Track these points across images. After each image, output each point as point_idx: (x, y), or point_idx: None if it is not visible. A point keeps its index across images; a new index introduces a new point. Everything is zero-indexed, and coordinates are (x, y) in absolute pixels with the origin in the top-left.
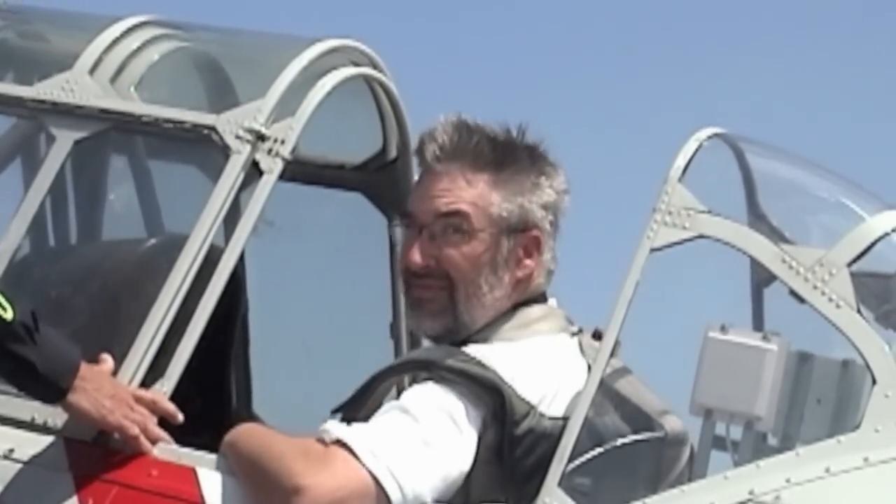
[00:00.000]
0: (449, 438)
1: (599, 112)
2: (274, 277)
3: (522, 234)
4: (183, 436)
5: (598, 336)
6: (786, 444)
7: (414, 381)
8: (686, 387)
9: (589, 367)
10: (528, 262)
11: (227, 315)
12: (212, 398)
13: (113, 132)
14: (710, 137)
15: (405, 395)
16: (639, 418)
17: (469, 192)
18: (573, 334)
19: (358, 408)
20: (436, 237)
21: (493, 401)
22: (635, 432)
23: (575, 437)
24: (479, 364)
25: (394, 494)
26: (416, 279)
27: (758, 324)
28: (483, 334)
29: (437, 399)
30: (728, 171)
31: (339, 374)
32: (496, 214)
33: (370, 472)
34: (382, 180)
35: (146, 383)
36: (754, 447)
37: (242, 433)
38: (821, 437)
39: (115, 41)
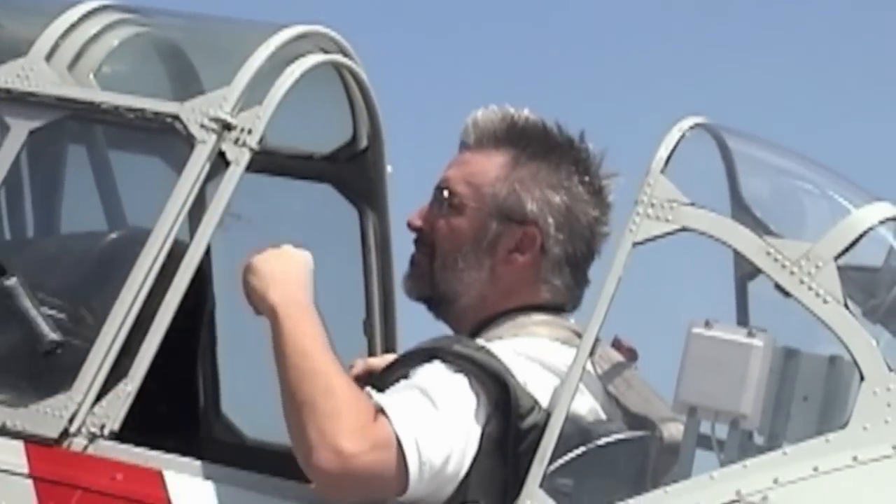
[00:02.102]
0: (462, 425)
1: (577, 101)
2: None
3: (517, 226)
4: (148, 438)
5: (616, 345)
6: (772, 443)
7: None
8: (669, 384)
9: (601, 382)
10: (518, 256)
11: (193, 312)
12: (178, 398)
13: (71, 121)
14: (692, 127)
15: (419, 374)
16: (630, 420)
17: (471, 167)
18: None
19: None
20: (435, 204)
21: (497, 391)
22: (622, 433)
23: (556, 438)
24: (487, 353)
25: (413, 470)
26: (415, 241)
27: (742, 319)
28: (481, 332)
29: (448, 381)
30: (711, 161)
31: None
32: (487, 193)
33: (401, 447)
34: (352, 171)
35: (108, 384)
36: (740, 446)
37: (296, 320)
38: (808, 435)
39: (73, 26)
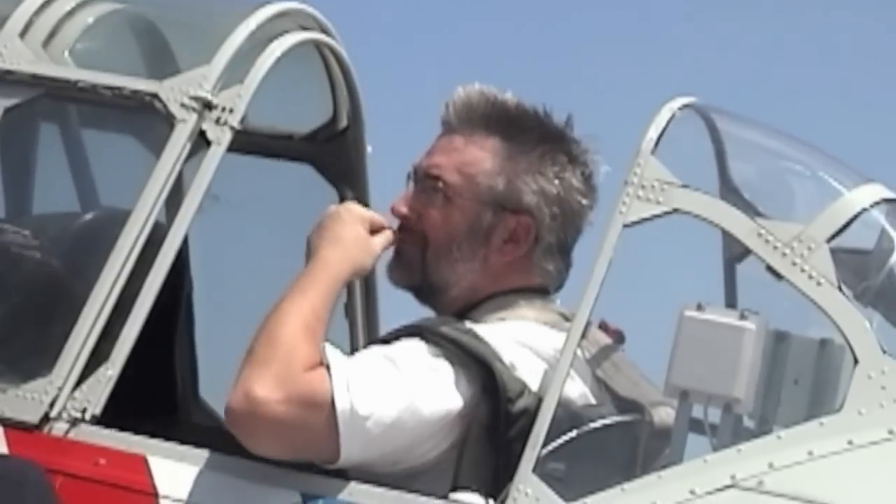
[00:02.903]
0: (425, 397)
1: (564, 80)
2: (219, 254)
3: (512, 216)
4: (124, 421)
5: (603, 327)
6: (763, 427)
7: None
8: (656, 367)
9: (589, 366)
10: (512, 247)
11: (171, 295)
12: (156, 383)
13: (46, 99)
14: (682, 108)
15: (392, 346)
16: (619, 404)
17: (464, 156)
18: None
19: None
20: (424, 192)
21: (483, 375)
22: (613, 417)
23: (549, 422)
24: (473, 335)
25: (343, 432)
26: (400, 229)
27: (730, 301)
28: (469, 315)
29: (420, 354)
30: (699, 142)
31: None
32: (483, 184)
33: (333, 407)
34: (332, 151)
35: (89, 368)
36: (733, 430)
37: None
38: (798, 418)
39: (47, 2)
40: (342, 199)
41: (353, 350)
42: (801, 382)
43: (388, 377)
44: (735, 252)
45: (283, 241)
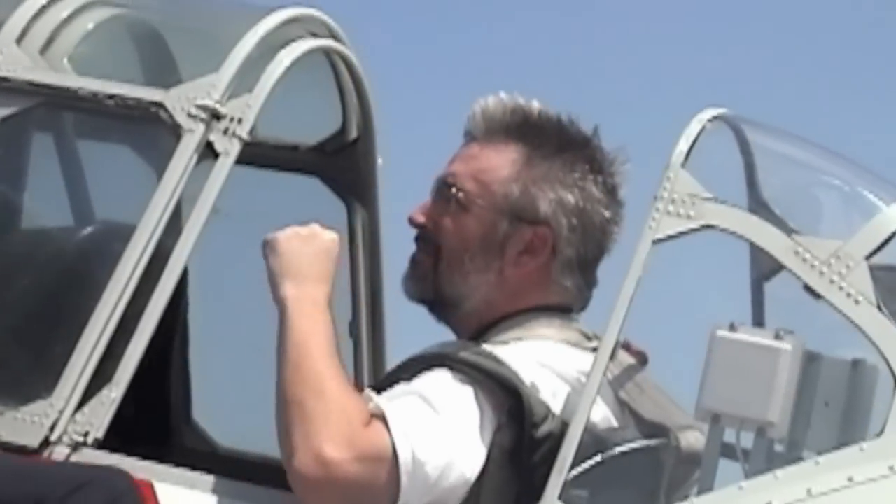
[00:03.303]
0: (465, 434)
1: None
2: (216, 271)
3: (528, 227)
4: (115, 446)
5: (626, 347)
6: (792, 451)
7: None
8: (681, 389)
9: (611, 387)
10: (528, 259)
11: (166, 313)
12: (148, 405)
13: (44, 108)
14: (712, 119)
15: (422, 380)
16: (644, 428)
17: (481, 163)
18: (593, 350)
19: None
20: (440, 201)
21: (509, 400)
22: (639, 441)
23: (575, 447)
24: (495, 360)
25: (405, 482)
26: (417, 239)
27: (758, 321)
28: (485, 335)
29: (453, 390)
30: (728, 155)
31: None
32: (498, 192)
33: (396, 458)
34: (341, 163)
35: (91, 390)
36: (766, 455)
37: (301, 315)
38: (830, 442)
39: (44, 8)
40: (351, 214)
41: (358, 369)
42: (831, 405)
43: (431, 421)
44: (764, 269)
45: None
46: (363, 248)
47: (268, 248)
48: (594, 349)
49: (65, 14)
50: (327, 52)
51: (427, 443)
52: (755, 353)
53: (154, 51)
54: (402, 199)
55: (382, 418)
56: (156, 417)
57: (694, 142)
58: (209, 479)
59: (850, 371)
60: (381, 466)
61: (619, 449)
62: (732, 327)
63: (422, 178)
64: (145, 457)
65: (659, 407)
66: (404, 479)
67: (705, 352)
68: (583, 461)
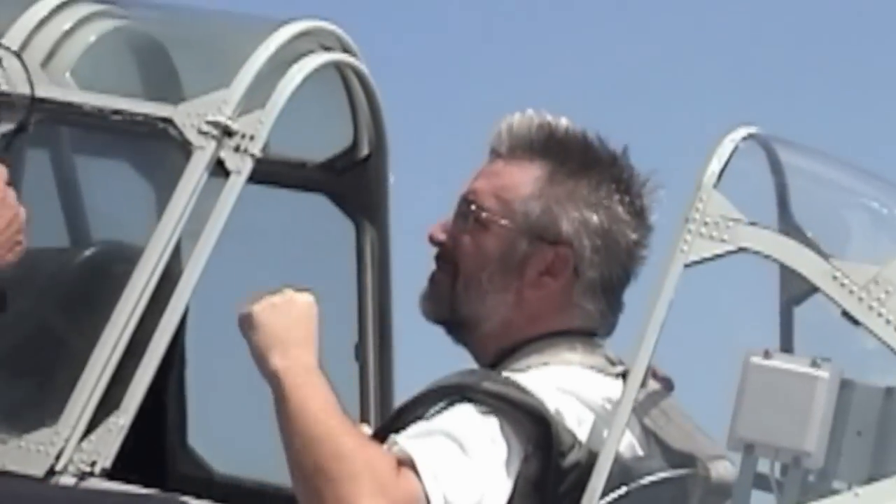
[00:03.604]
0: (493, 471)
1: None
2: (220, 291)
3: (549, 247)
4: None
5: (654, 374)
6: (823, 481)
7: (448, 406)
8: (711, 418)
9: (636, 413)
10: (549, 280)
11: None
12: (143, 430)
13: (47, 124)
14: (745, 138)
15: (446, 417)
16: (671, 457)
17: (503, 180)
18: (618, 375)
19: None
20: (460, 218)
21: (536, 429)
22: (667, 471)
23: (605, 478)
24: (519, 388)
25: None
26: (436, 257)
27: (786, 346)
28: (507, 361)
29: (479, 425)
30: (759, 176)
31: None
32: (520, 211)
33: (429, 501)
34: (351, 181)
35: (98, 417)
36: (801, 487)
37: (299, 383)
38: (862, 472)
39: (44, 20)
40: (360, 233)
41: (364, 393)
42: (864, 434)
43: (459, 461)
44: (793, 294)
45: (291, 277)
46: (371, 268)
47: (245, 324)
48: (619, 375)
49: (66, 26)
50: (339, 67)
51: (457, 484)
52: (792, 381)
53: (158, 65)
54: (413, 216)
55: (410, 462)
56: (151, 443)
57: (727, 162)
58: None
59: (884, 399)
60: None
61: (647, 479)
62: (767, 354)
63: (434, 193)
64: (146, 485)
65: (686, 435)
66: None
67: (724, 375)
68: (610, 492)
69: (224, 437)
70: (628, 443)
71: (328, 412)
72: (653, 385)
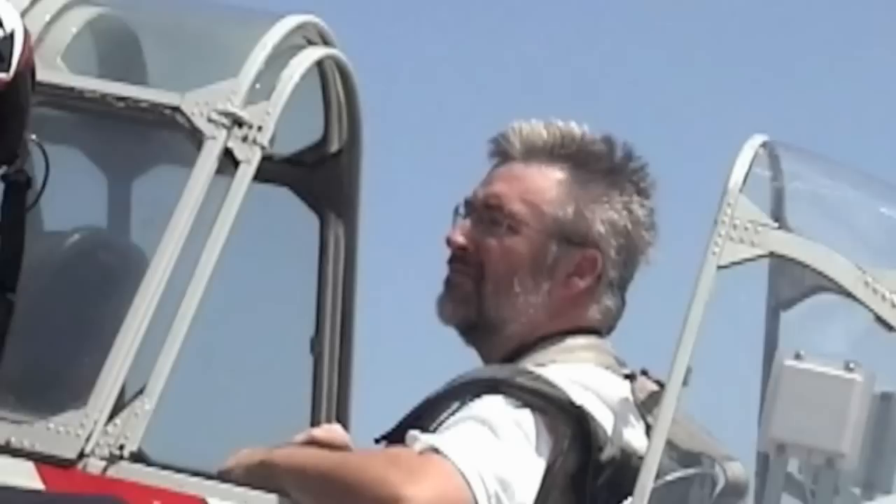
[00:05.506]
0: (524, 458)
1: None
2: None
3: (577, 249)
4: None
5: (646, 374)
6: (868, 493)
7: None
8: (731, 420)
9: (640, 413)
10: (577, 281)
11: None
12: None
13: (45, 110)
14: (763, 145)
15: (477, 406)
16: (679, 457)
17: (526, 184)
18: (625, 376)
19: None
20: (482, 222)
21: (573, 425)
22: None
23: (654, 474)
24: (549, 384)
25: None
26: (454, 260)
27: (770, 350)
28: (525, 356)
29: (512, 415)
30: (759, 182)
31: (246, 392)
32: (550, 214)
33: (465, 479)
34: (319, 175)
35: (121, 401)
36: (834, 488)
37: (287, 453)
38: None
39: (31, 4)
40: (323, 226)
41: (317, 387)
42: None
43: (491, 443)
44: (783, 299)
45: (251, 268)
46: (334, 263)
47: (226, 472)
48: (627, 376)
49: (52, 12)
50: (322, 61)
51: (488, 461)
52: (827, 384)
53: (155, 52)
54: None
55: (434, 449)
56: None
57: (750, 167)
58: (261, 494)
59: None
60: (459, 485)
61: (666, 477)
62: (798, 356)
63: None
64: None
65: (692, 436)
66: (482, 500)
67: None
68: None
69: (186, 429)
70: (643, 442)
71: (325, 452)
72: (652, 386)
